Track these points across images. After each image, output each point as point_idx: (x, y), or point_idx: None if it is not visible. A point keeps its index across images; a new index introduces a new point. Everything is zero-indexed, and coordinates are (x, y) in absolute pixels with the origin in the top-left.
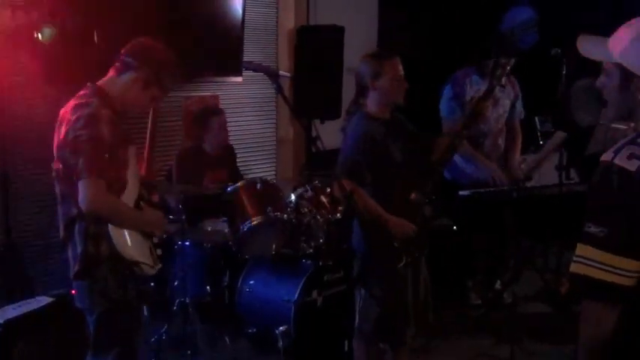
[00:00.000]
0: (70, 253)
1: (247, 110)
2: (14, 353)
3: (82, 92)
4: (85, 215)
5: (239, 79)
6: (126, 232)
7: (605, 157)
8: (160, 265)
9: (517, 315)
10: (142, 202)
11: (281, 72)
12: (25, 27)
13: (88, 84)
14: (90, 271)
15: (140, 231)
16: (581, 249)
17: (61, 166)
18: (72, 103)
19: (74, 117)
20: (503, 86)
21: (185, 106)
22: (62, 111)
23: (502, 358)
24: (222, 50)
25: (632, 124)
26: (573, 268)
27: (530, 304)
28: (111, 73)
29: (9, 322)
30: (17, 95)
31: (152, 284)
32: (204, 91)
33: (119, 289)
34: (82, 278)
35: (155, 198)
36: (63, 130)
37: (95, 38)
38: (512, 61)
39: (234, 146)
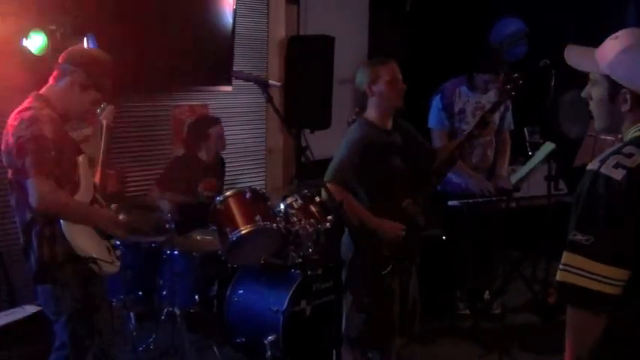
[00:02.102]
0: (31, 258)
1: (237, 120)
2: None
3: (25, 101)
4: (38, 214)
5: (229, 88)
6: (80, 231)
7: (592, 165)
8: (119, 264)
9: (505, 325)
10: (96, 206)
11: (271, 81)
12: (14, 35)
13: (32, 93)
14: (51, 275)
15: (96, 231)
16: (568, 257)
17: (11, 173)
18: (15, 111)
19: (16, 122)
20: (511, 101)
21: (175, 115)
22: (8, 121)
23: None
24: (212, 59)
25: (619, 135)
26: (559, 276)
27: (518, 315)
28: (50, 81)
29: None
30: (6, 104)
31: (140, 293)
32: (194, 100)
33: (82, 290)
34: (43, 282)
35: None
36: (7, 137)
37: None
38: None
39: (224, 155)
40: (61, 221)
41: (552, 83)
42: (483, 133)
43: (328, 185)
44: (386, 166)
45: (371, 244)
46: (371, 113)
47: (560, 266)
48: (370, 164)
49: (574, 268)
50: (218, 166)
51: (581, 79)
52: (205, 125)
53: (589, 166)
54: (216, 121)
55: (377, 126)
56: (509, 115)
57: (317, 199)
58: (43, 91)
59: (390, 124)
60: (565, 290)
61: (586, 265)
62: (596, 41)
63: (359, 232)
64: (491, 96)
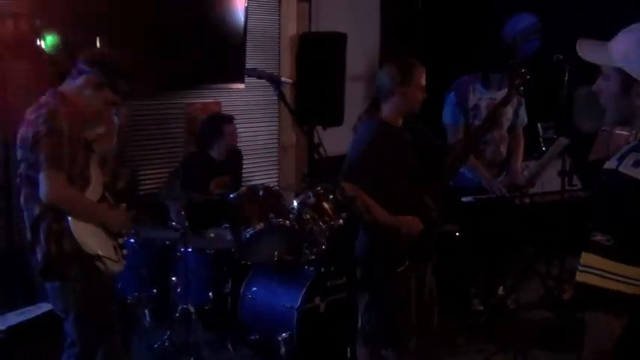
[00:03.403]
0: (38, 254)
1: (250, 117)
2: (16, 359)
3: (42, 97)
4: (46, 209)
5: (241, 85)
6: (88, 229)
7: (610, 164)
8: (125, 263)
9: (520, 321)
10: (105, 204)
11: (283, 78)
12: (28, 35)
13: (49, 89)
14: (58, 271)
15: (104, 229)
16: (587, 258)
17: (23, 167)
18: (33, 106)
19: (33, 117)
20: (521, 95)
21: (189, 113)
22: (25, 115)
23: None
24: (224, 57)
25: (634, 131)
26: (579, 277)
27: (532, 311)
28: (68, 79)
29: (11, 329)
30: (20, 104)
31: (154, 290)
32: (207, 97)
33: (90, 287)
34: (50, 278)
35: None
36: (24, 131)
37: (98, 45)
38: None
39: None
40: (69, 218)
41: (566, 78)
42: (494, 128)
43: (344, 185)
44: (400, 163)
45: (386, 242)
46: (386, 112)
47: (579, 267)
48: (384, 162)
49: (594, 269)
50: (232, 162)
51: (595, 73)
52: (219, 123)
53: (607, 165)
54: (230, 119)
55: (390, 124)
56: (522, 111)
57: (330, 196)
58: (60, 88)
59: (400, 122)
60: (585, 291)
61: (606, 266)
62: (609, 36)
63: (374, 229)
64: (505, 93)
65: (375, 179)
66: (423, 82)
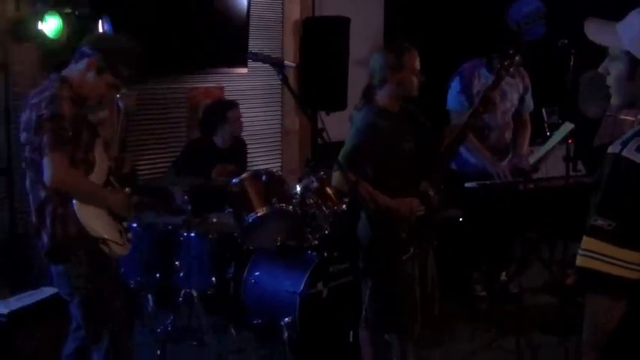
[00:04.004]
0: (44, 237)
1: (253, 101)
2: (18, 344)
3: (46, 81)
4: (51, 193)
5: (244, 70)
6: (93, 212)
7: (613, 149)
8: (130, 247)
9: (522, 307)
10: (109, 188)
11: (286, 62)
12: (30, 18)
13: (52, 73)
14: (64, 254)
15: (109, 212)
16: (588, 242)
17: (27, 151)
18: (36, 90)
19: (36, 100)
20: (512, 76)
21: (191, 98)
22: (28, 99)
23: (507, 349)
24: (227, 41)
25: (639, 116)
26: (579, 261)
27: (535, 296)
28: (71, 63)
29: (13, 313)
30: (23, 86)
31: (157, 275)
32: (210, 82)
33: (95, 270)
34: (56, 260)
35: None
36: (27, 114)
37: (100, 29)
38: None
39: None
40: (74, 201)
41: (571, 63)
42: (487, 111)
43: (342, 173)
44: (399, 150)
45: (389, 228)
46: (382, 98)
47: (580, 251)
48: (383, 150)
49: (595, 254)
50: (236, 151)
51: (600, 58)
52: (223, 108)
53: (610, 149)
54: (233, 104)
55: (387, 111)
56: (528, 97)
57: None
58: (63, 72)
59: (397, 108)
60: (585, 275)
61: (607, 250)
62: (616, 18)
63: (377, 217)
64: (510, 78)
65: (373, 167)
66: (417, 65)
